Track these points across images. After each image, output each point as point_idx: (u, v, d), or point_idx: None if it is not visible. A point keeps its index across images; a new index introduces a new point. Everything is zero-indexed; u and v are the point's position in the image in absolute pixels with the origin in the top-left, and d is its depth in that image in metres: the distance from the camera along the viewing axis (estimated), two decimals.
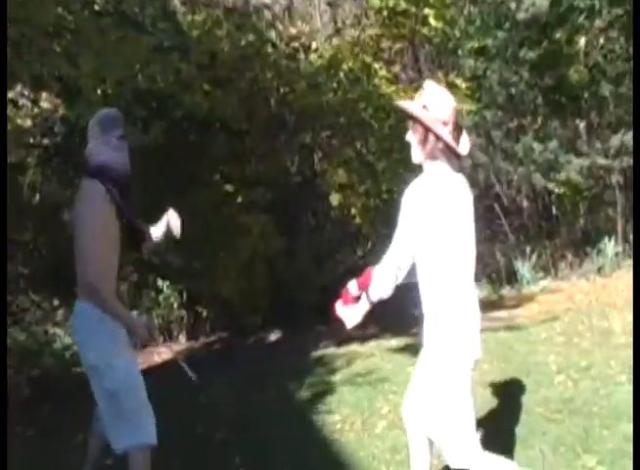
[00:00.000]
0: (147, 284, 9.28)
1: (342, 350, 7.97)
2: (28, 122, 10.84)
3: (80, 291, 3.63)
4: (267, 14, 11.34)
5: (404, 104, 3.28)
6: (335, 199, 9.36)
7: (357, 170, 9.60)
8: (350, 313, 3.35)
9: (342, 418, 5.38)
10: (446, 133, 3.06)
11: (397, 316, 9.02)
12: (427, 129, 3.07)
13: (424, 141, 3.10)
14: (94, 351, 3.59)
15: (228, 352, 8.70)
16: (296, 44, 10.80)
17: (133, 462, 3.62)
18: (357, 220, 9.28)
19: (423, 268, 3.06)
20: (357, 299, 3.31)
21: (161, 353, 8.68)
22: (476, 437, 3.05)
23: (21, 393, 6.68)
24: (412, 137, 3.17)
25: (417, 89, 8.61)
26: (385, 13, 10.42)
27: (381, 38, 10.84)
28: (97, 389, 3.65)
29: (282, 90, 10.45)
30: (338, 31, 11.99)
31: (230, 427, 5.46)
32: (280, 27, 11.44)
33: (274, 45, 10.43)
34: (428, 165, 3.11)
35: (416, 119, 3.11)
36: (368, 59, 10.36)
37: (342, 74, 10.22)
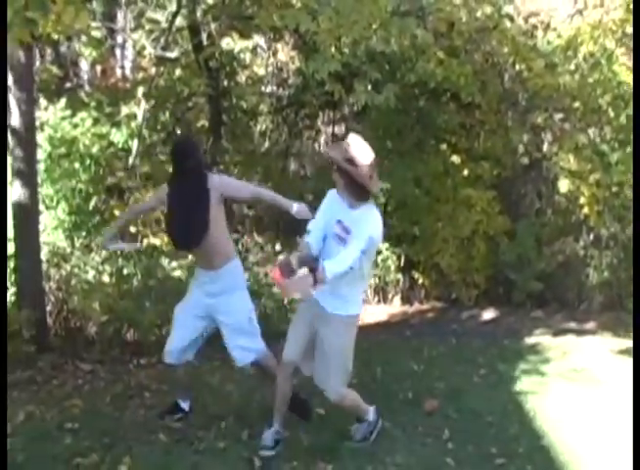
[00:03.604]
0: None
1: (558, 340, 7.75)
2: (263, 71, 11.30)
3: None
4: None
5: (332, 155, 4.15)
6: (564, 185, 9.07)
7: (589, 158, 9.21)
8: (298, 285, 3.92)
9: (553, 411, 5.28)
10: (366, 180, 4.01)
11: (616, 316, 8.80)
12: (352, 178, 4.01)
13: (350, 185, 4.04)
14: None
15: (442, 323, 8.74)
16: (534, 21, 10.46)
17: None
18: (585, 210, 8.96)
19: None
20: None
21: (375, 314, 8.86)
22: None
23: None
24: (339, 179, 4.10)
25: None
26: None
27: (625, 23, 10.21)
28: None
29: (517, 67, 10.18)
30: (579, 11, 11.49)
31: (439, 397, 5.50)
32: (518, 2, 11.09)
33: (512, 20, 10.14)
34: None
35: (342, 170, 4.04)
36: (609, 43, 9.87)
37: (580, 57, 9.80)
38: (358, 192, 4.07)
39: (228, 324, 4.64)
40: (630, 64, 10.13)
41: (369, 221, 4.07)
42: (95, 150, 7.92)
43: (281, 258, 6.71)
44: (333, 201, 4.23)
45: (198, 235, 4.46)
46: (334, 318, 4.21)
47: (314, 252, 4.14)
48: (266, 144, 10.99)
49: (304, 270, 3.86)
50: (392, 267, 9.38)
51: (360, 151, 4.05)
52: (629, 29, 10.32)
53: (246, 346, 4.66)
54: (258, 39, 10.88)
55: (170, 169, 4.84)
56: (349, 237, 4.07)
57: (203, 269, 4.69)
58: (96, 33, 9.45)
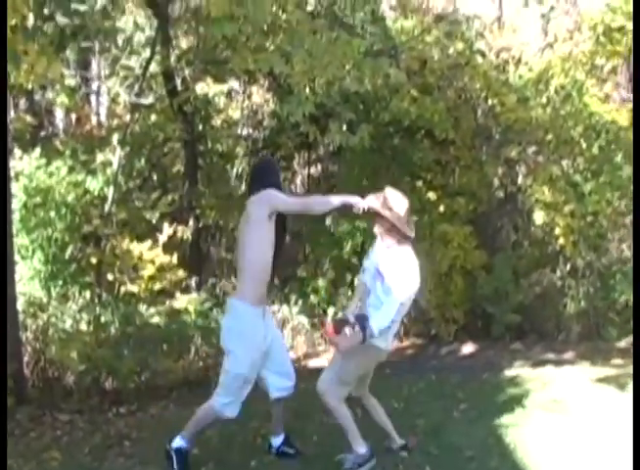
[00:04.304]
0: (344, 282, 9.49)
1: (537, 371, 7.76)
2: (238, 114, 11.40)
3: None
4: (477, 23, 11.21)
5: (373, 205, 4.57)
6: (539, 217, 9.21)
7: (563, 190, 9.34)
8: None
9: (534, 442, 5.29)
10: (403, 225, 4.50)
11: (594, 345, 8.84)
12: (392, 224, 4.50)
13: (390, 230, 4.53)
14: None
15: (421, 360, 8.73)
16: (505, 56, 10.63)
17: None
18: (560, 241, 9.07)
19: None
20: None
21: None
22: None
23: (219, 373, 6.96)
24: (379, 227, 4.60)
25: (630, 110, 8.20)
26: (600, 28, 10.01)
27: (594, 55, 10.41)
28: None
29: (490, 102, 10.33)
30: (549, 45, 11.70)
31: (419, 434, 5.48)
32: (489, 38, 11.27)
33: (483, 55, 10.32)
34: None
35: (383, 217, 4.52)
36: (580, 75, 10.05)
37: (552, 90, 9.97)
38: (397, 236, 4.56)
39: None
40: (601, 94, 10.32)
41: (404, 265, 4.53)
42: (70, 198, 7.96)
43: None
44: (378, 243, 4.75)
45: None
46: None
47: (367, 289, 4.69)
48: (243, 187, 11.04)
49: (356, 328, 4.39)
50: None
51: (397, 200, 4.58)
52: (599, 61, 10.53)
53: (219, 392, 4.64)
54: (233, 83, 10.98)
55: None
56: (385, 277, 4.54)
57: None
58: (70, 81, 9.54)
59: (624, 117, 9.59)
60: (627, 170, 9.21)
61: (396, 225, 4.51)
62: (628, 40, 9.65)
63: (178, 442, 4.64)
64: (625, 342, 8.69)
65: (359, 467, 4.65)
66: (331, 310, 9.36)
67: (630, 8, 9.22)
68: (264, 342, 4.59)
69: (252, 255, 4.52)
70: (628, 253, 9.62)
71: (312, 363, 8.35)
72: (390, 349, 4.88)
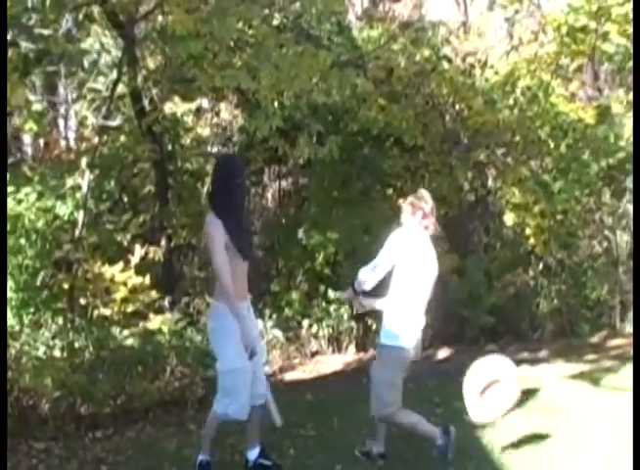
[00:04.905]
0: (318, 294, 9.52)
1: None
2: (207, 132, 11.41)
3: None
4: (442, 29, 11.30)
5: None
6: (509, 218, 9.30)
7: (532, 190, 9.42)
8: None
9: (511, 442, 5.32)
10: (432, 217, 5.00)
11: (567, 342, 8.91)
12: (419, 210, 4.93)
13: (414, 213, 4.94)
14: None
15: None
16: (471, 60, 10.71)
17: None
18: (531, 241, 9.14)
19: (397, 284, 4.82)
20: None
21: (330, 364, 8.87)
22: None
23: (195, 392, 6.96)
24: (407, 209, 4.99)
25: (596, 108, 8.48)
26: (563, 29, 10.10)
27: (559, 55, 10.52)
28: None
29: (457, 106, 10.41)
30: (514, 47, 11.80)
31: (396, 442, 5.50)
32: (455, 43, 11.36)
33: (450, 61, 10.40)
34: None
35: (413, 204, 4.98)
36: (545, 76, 10.16)
37: (518, 92, 10.07)
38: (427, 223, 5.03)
39: None
40: (567, 94, 10.43)
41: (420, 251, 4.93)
42: (40, 224, 7.92)
43: None
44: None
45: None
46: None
47: None
48: None
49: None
50: (345, 316, 9.44)
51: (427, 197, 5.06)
52: (563, 61, 10.64)
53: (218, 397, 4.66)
54: (201, 100, 10.99)
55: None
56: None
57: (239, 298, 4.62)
58: (37, 106, 9.50)
59: (590, 115, 9.70)
60: (594, 167, 9.32)
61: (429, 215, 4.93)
62: (592, 39, 9.79)
63: (200, 457, 4.77)
64: (598, 337, 8.78)
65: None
66: (305, 323, 9.40)
67: (594, 8, 9.38)
68: (251, 336, 4.55)
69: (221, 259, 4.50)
70: (599, 249, 9.73)
71: (288, 376, 8.37)
72: (413, 348, 4.90)
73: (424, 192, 5.15)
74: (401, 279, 4.81)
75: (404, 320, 4.79)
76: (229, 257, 4.48)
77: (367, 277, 4.86)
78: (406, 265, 4.79)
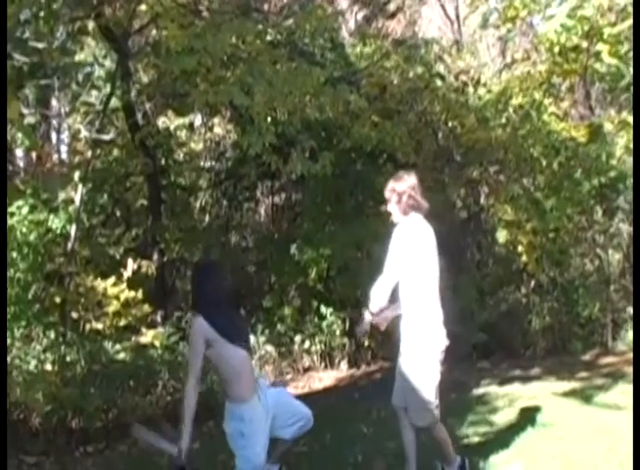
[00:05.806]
0: (310, 310, 9.52)
1: (505, 389, 7.80)
2: (201, 146, 11.44)
3: None
4: (435, 47, 11.37)
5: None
6: (501, 235, 9.31)
7: (524, 208, 9.45)
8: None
9: (504, 460, 5.30)
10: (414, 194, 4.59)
11: (559, 359, 8.90)
12: (400, 194, 4.59)
13: (399, 201, 4.58)
14: None
15: (389, 384, 8.70)
16: (464, 78, 10.77)
17: None
18: (523, 258, 9.15)
19: (406, 283, 4.59)
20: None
21: (323, 379, 8.85)
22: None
23: None
24: (393, 199, 4.61)
25: (588, 126, 8.53)
26: (556, 48, 10.17)
27: (551, 74, 10.59)
28: None
29: (450, 124, 10.45)
30: (507, 66, 11.89)
31: (389, 458, 5.48)
32: (448, 61, 11.43)
33: (443, 78, 10.45)
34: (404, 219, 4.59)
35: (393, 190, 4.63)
36: (538, 94, 10.21)
37: (510, 110, 10.12)
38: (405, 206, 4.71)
39: None
40: (559, 112, 10.48)
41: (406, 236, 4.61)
42: (32, 237, 7.89)
43: None
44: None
45: None
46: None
47: None
48: (207, 219, 11.06)
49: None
50: (338, 332, 9.43)
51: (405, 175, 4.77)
52: (556, 80, 10.70)
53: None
54: (194, 115, 11.02)
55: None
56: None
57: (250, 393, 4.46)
58: (30, 119, 9.49)
59: (582, 134, 9.75)
60: (586, 186, 9.36)
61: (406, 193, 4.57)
62: (584, 59, 9.84)
63: None
64: (589, 355, 8.78)
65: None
66: (298, 338, 9.37)
67: (586, 28, 9.44)
68: (267, 418, 4.42)
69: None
70: (591, 267, 9.75)
71: None
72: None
73: (401, 172, 4.88)
74: (411, 279, 4.60)
75: (427, 318, 4.66)
76: (233, 355, 4.34)
77: (378, 291, 4.61)
78: (412, 264, 4.56)
